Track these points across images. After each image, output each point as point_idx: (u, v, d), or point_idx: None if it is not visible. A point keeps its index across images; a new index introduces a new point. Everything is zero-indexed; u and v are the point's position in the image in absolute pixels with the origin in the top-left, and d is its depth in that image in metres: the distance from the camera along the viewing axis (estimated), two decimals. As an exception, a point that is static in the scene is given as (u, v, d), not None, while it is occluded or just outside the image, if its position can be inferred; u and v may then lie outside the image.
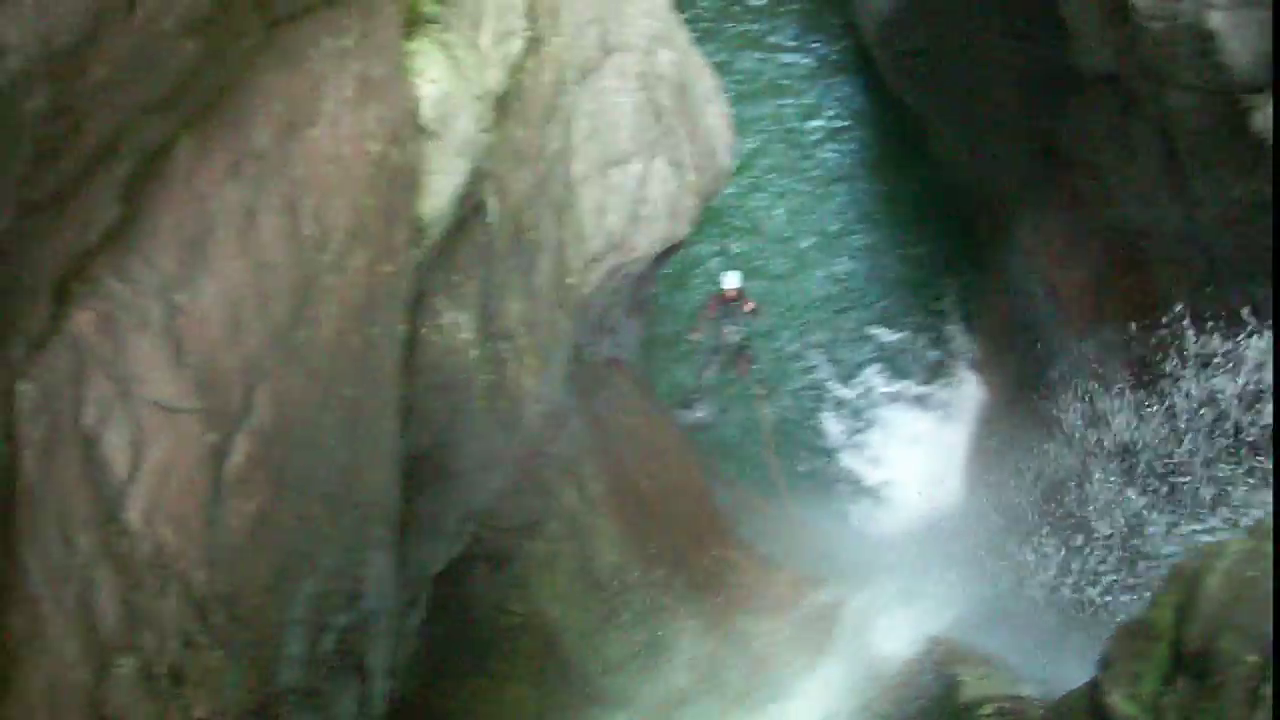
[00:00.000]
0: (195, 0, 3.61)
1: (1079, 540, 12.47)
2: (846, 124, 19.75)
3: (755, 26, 20.68)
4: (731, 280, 15.44)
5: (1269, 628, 5.09)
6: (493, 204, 8.04)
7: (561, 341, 10.08)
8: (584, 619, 11.59)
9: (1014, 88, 15.61)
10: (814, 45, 20.74)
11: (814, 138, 19.48)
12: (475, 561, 10.50)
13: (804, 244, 18.26)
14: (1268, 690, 4.89)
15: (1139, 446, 12.10)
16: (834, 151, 19.40)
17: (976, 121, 16.83)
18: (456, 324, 7.48)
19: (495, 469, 8.97)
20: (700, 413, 16.16)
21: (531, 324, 9.09)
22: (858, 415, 16.43)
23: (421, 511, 7.43)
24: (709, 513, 13.59)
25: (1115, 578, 11.54)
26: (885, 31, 18.67)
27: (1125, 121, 12.79)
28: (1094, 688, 6.39)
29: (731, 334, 15.98)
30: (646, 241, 12.00)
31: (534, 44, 8.60)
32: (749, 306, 16.01)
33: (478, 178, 7.25)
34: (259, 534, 4.40)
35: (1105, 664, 6.35)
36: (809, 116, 19.72)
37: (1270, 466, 9.68)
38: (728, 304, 15.60)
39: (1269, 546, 5.47)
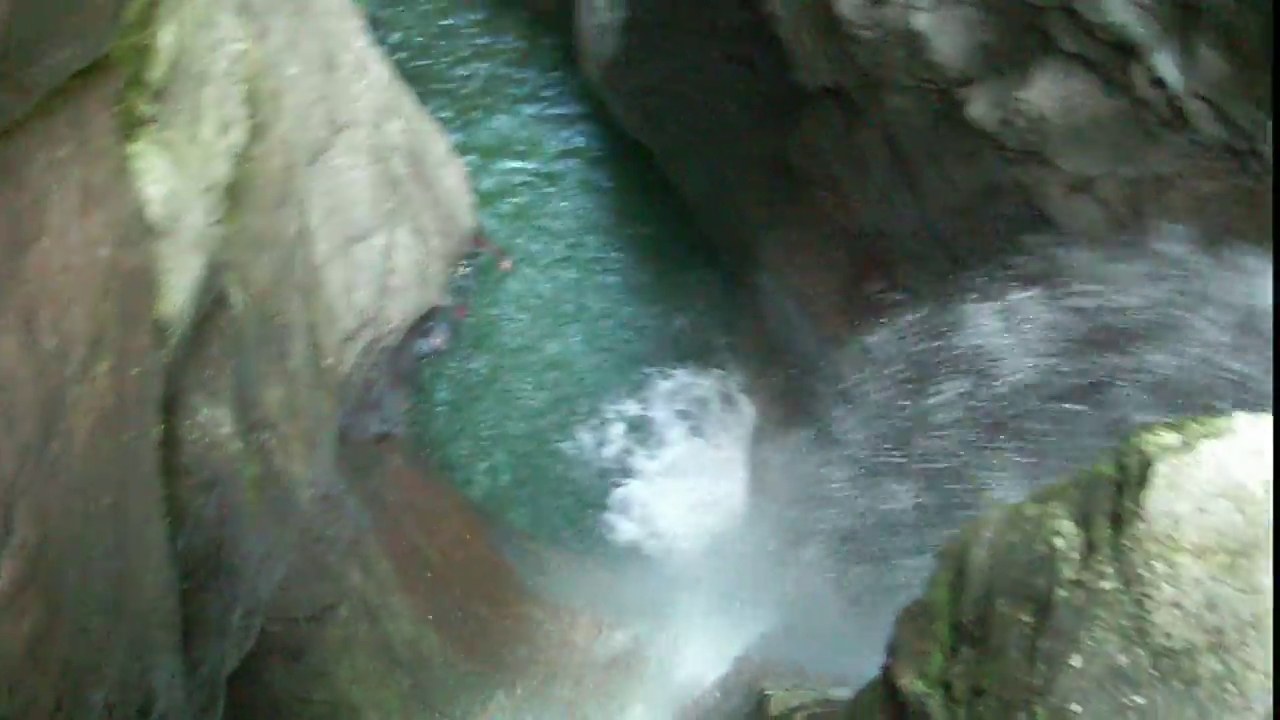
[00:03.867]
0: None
1: (860, 537, 12.88)
2: (586, 169, 20.01)
3: (483, 84, 20.88)
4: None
5: (1037, 584, 5.36)
6: (236, 294, 8.00)
7: (326, 423, 10.04)
8: (387, 697, 11.49)
9: (743, 112, 16.14)
10: (544, 95, 20.99)
11: (553, 187, 19.66)
12: (270, 656, 10.31)
13: (555, 295, 18.40)
14: (1044, 644, 5.14)
15: (906, 440, 12.55)
16: (573, 198, 19.63)
17: (711, 150, 17.32)
18: (215, 419, 7.40)
19: (275, 559, 8.85)
20: (436, 339, 16.36)
21: (292, 409, 9.04)
22: (630, 452, 16.59)
23: (205, 612, 7.31)
24: (500, 572, 13.64)
25: (898, 566, 11.96)
26: (612, 73, 19.02)
27: (852, 130, 13.38)
28: (886, 673, 6.66)
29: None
30: (399, 312, 12.06)
31: (258, 130, 8.59)
32: (505, 264, 16.96)
33: (217, 270, 7.22)
34: (37, 653, 4.32)
35: (893, 649, 6.62)
36: (545, 166, 19.93)
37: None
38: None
39: (1029, 509, 5.75)
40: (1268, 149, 9.89)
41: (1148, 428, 5.27)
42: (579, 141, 20.36)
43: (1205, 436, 5.01)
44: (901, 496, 12.57)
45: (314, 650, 10.92)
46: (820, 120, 13.94)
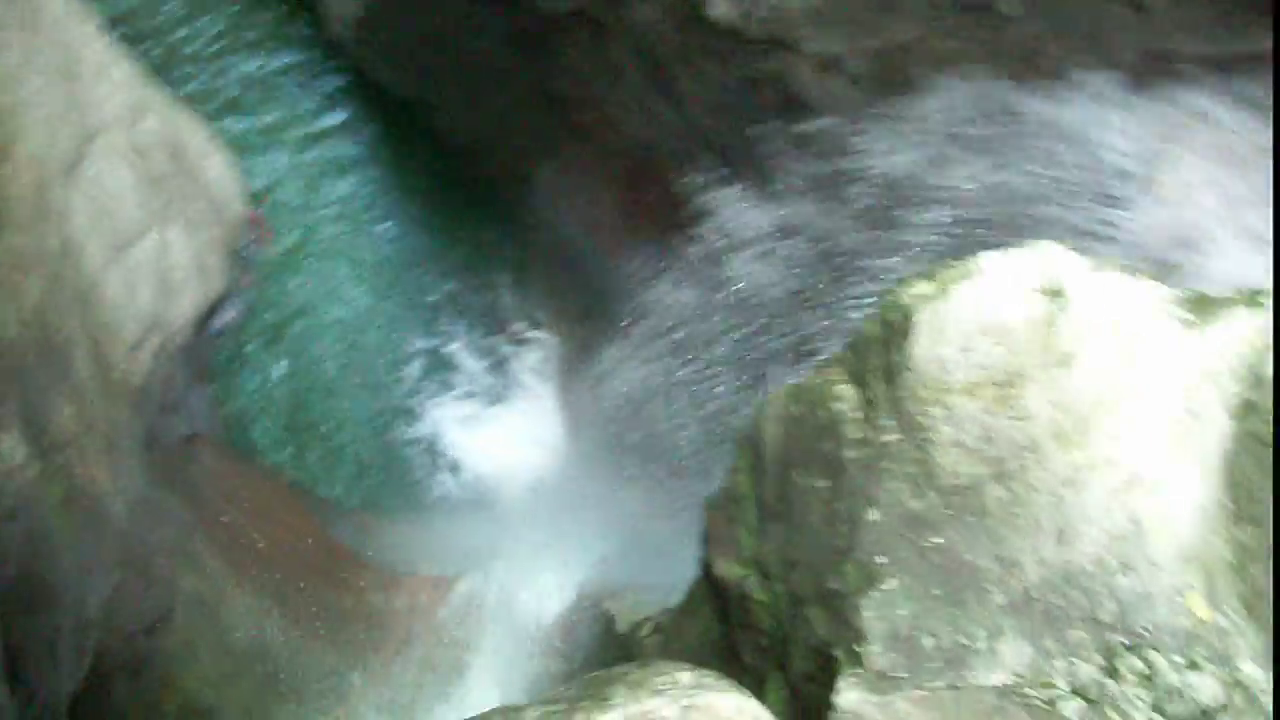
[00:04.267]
0: None
1: (680, 444, 13.14)
2: (353, 134, 19.72)
3: (234, 68, 20.38)
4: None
5: (825, 449, 5.57)
6: (7, 317, 7.84)
7: (126, 432, 9.89)
8: (240, 694, 11.46)
9: (502, 48, 16.12)
10: (299, 66, 20.52)
11: (323, 157, 19.31)
12: (113, 676, 10.19)
13: (341, 263, 18.14)
14: (840, 505, 5.36)
15: (709, 341, 12.76)
16: (345, 164, 19.32)
17: (478, 91, 17.26)
18: (6, 448, 7.28)
19: (98, 576, 8.76)
20: (229, 313, 16.07)
21: (88, 425, 8.89)
22: (434, 400, 16.53)
23: (29, 640, 7.23)
24: (332, 550, 13.60)
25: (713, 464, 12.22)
26: (364, 32, 18.72)
27: (603, 48, 13.52)
28: (705, 566, 6.84)
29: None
30: (186, 308, 11.91)
31: (1, 151, 8.40)
32: (268, 242, 16.75)
33: (-19, 297, 7.09)
34: None
35: (706, 540, 6.78)
36: (312, 138, 19.55)
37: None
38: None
39: (810, 381, 5.93)
40: (1001, 4, 10.25)
41: (904, 281, 5.49)
42: (342, 108, 20.00)
43: (957, 280, 5.25)
44: (706, 398, 12.82)
45: (156, 661, 10.80)
46: (572, 43, 14.05)
